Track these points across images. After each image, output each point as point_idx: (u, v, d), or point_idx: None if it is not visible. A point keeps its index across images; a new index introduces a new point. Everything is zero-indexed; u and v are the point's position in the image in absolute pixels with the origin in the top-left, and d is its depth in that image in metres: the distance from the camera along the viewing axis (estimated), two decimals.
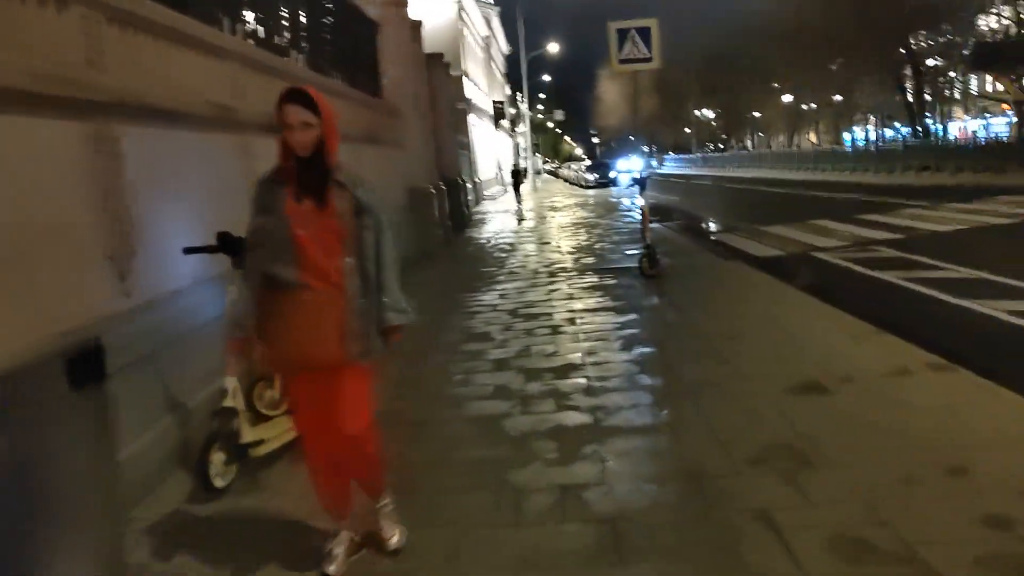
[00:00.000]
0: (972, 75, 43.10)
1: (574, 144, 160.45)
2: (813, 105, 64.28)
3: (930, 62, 37.97)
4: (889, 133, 51.76)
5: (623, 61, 14.46)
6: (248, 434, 4.10)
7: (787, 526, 3.14)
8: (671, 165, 79.37)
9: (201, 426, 4.21)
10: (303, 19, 9.17)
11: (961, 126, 47.02)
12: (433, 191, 14.76)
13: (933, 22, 36.14)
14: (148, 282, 4.41)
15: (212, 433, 3.99)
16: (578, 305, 8.20)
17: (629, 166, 54.07)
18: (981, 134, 37.18)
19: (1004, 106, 47.95)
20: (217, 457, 3.94)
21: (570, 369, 5.70)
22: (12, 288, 3.31)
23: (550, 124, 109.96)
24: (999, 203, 15.67)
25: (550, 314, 7.81)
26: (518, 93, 59.07)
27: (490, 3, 49.09)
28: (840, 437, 4.03)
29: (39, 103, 3.61)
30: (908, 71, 38.33)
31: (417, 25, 16.01)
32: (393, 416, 4.73)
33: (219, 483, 3.92)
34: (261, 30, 7.47)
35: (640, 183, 9.66)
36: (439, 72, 20.76)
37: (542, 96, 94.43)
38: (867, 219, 14.99)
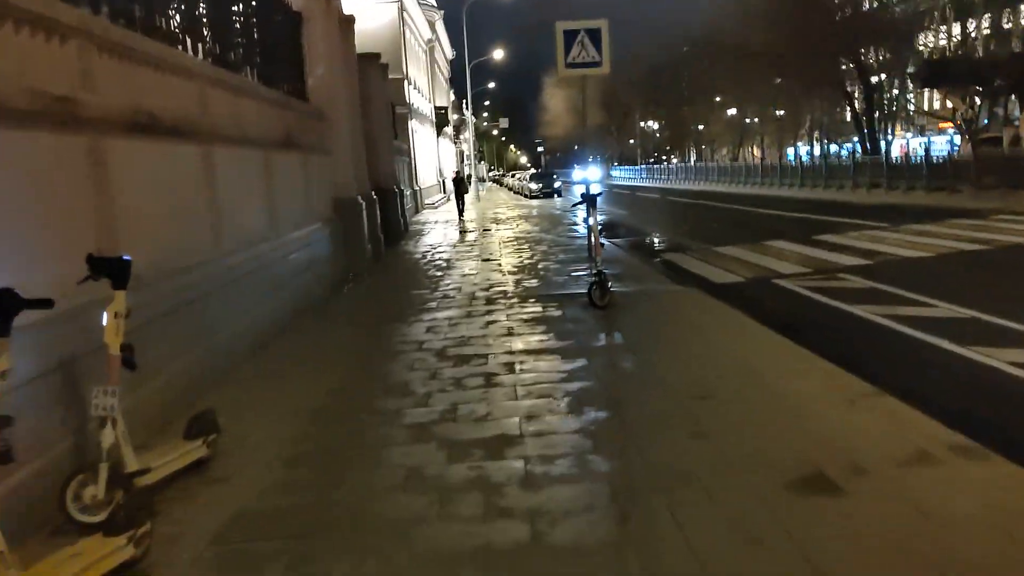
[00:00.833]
0: (913, 93, 43.46)
1: (519, 152, 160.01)
2: (756, 120, 64.69)
3: (874, 78, 37.98)
4: (833, 148, 52.08)
5: (571, 65, 13.38)
6: None
7: None
8: (617, 177, 79.00)
9: None
10: (208, 4, 7.84)
11: (902, 143, 47.45)
12: (362, 201, 13.45)
13: (876, 38, 36.14)
14: None
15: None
16: (518, 344, 7.02)
17: (586, 176, 53.54)
18: (921, 152, 37.30)
19: (943, 124, 48.69)
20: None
21: (505, 444, 4.50)
22: None
23: (495, 132, 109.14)
24: (961, 227, 15.05)
25: (485, 357, 6.61)
26: (464, 100, 57.88)
27: (433, 6, 47.80)
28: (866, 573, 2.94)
29: None
30: (857, 86, 38.30)
31: (349, 20, 14.70)
32: (260, 527, 3.49)
33: None
34: (137, 8, 6.12)
35: (590, 200, 8.53)
36: (375, 74, 19.45)
37: (487, 103, 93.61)
38: (826, 241, 14.18)
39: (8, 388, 3.06)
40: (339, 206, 12.86)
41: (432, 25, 46.84)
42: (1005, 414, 5.08)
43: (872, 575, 2.95)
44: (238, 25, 8.99)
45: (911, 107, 43.56)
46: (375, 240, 14.47)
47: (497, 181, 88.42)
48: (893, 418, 4.56)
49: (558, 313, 8.35)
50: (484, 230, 20.97)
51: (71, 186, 4.56)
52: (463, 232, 20.41)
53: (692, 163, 66.07)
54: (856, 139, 54.75)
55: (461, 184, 27.31)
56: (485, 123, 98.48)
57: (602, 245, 8.54)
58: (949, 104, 33.12)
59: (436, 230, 22.04)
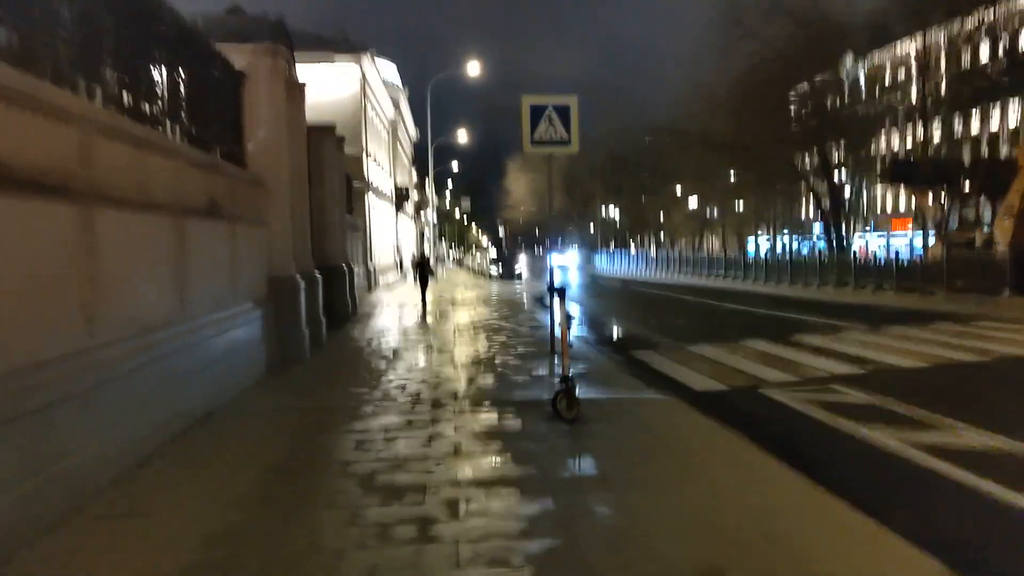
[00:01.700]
0: (874, 191, 43.91)
1: (481, 234, 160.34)
2: (715, 212, 65.27)
3: (837, 176, 38.19)
4: (796, 244, 52.30)
5: (537, 143, 12.35)
6: None
7: None
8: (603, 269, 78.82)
9: None
10: (114, 42, 6.57)
11: (860, 242, 47.68)
12: (302, 280, 12.03)
13: (841, 135, 36.46)
14: None
15: None
16: (466, 471, 5.58)
17: (562, 262, 52.76)
18: (883, 252, 37.36)
19: (900, 224, 49.27)
20: None
21: None
22: None
23: (457, 212, 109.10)
24: (945, 332, 14.10)
25: (423, 490, 5.15)
26: (426, 179, 57.25)
27: (398, 85, 47.50)
28: None
29: None
30: (823, 182, 38.46)
31: (299, 86, 13.56)
32: None
33: None
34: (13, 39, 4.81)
35: (559, 292, 7.24)
36: (328, 145, 18.32)
37: (450, 184, 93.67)
38: (805, 343, 13.08)
39: None
40: (275, 285, 11.44)
41: (396, 103, 46.41)
42: None
43: None
44: (159, 73, 7.72)
45: (876, 206, 43.87)
46: (315, 324, 13.00)
47: (458, 262, 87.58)
48: None
49: (516, 425, 6.94)
50: (425, 315, 19.59)
51: None
52: (425, 318, 18.85)
53: (653, 252, 66.10)
54: (817, 234, 55.28)
55: (424, 268, 22.82)
56: (447, 203, 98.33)
57: (570, 344, 7.18)
58: (914, 203, 33.46)
59: (388, 313, 20.60)
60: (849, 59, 36.30)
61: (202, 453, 6.34)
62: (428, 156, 45.11)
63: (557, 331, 13.91)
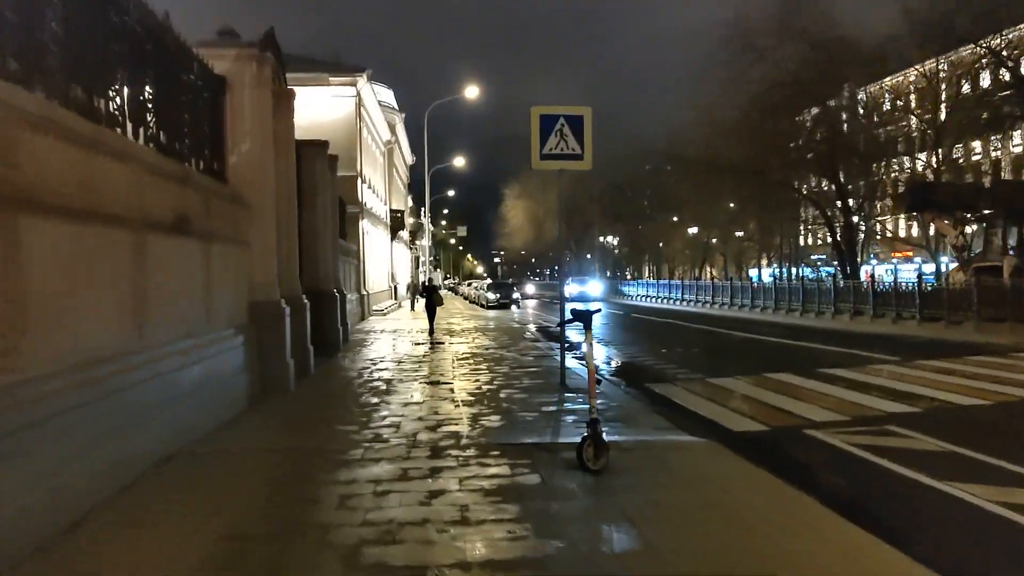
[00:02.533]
0: (886, 217, 42.98)
1: (476, 262, 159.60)
2: (714, 240, 64.38)
3: (851, 201, 37.30)
4: (805, 271, 51.29)
5: (547, 157, 11.33)
6: None
7: None
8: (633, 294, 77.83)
9: None
10: (63, 27, 5.56)
11: (866, 269, 46.71)
12: (286, 306, 10.94)
13: (853, 158, 35.59)
14: None
15: None
16: (476, 544, 4.45)
17: (584, 292, 48.89)
18: (889, 279, 36.34)
19: (902, 252, 48.35)
20: None
21: None
22: None
23: (452, 240, 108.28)
24: (988, 365, 13.02)
25: (422, 571, 4.04)
26: (422, 207, 56.38)
27: (395, 108, 46.74)
28: None
29: None
30: (833, 209, 37.57)
31: (287, 94, 12.59)
32: None
33: None
34: None
35: (583, 319, 6.15)
36: (322, 163, 17.31)
37: (446, 211, 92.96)
38: (838, 376, 12.00)
39: None
40: (257, 310, 10.37)
41: (392, 127, 45.62)
42: None
43: None
44: (119, 69, 6.70)
45: (888, 232, 42.84)
46: (302, 353, 11.90)
47: (452, 289, 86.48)
48: None
49: (533, 480, 5.81)
50: (436, 343, 18.48)
51: None
52: (433, 344, 17.75)
53: (653, 279, 65.07)
54: (815, 259, 54.32)
55: (433, 295, 21.45)
56: (443, 230, 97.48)
57: (598, 380, 6.07)
58: (913, 231, 32.61)
59: (381, 341, 19.47)
60: (863, 83, 35.69)
61: (151, 510, 5.20)
62: (425, 183, 44.20)
63: (573, 365, 12.93)
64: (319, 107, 28.03)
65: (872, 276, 35.60)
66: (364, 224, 30.66)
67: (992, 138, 36.76)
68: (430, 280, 27.63)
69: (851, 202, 36.50)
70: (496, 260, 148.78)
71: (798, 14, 33.80)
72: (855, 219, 36.98)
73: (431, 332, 19.77)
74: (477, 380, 11.66)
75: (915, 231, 44.35)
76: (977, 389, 10.54)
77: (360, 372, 12.96)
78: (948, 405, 9.42)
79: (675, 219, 66.30)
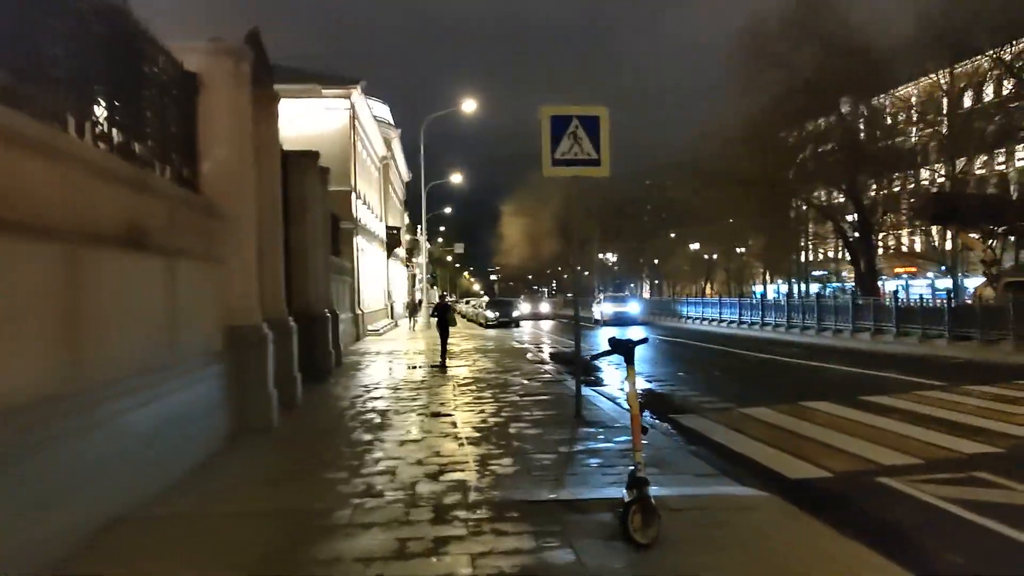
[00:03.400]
0: (903, 232, 41.77)
1: (473, 279, 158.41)
2: (715, 256, 63.33)
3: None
4: (815, 287, 50.03)
5: (559, 162, 10.15)
6: None
7: None
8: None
9: None
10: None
11: (879, 285, 45.50)
12: (269, 331, 9.72)
13: (875, 170, 34.40)
14: None
15: None
16: None
17: (622, 311, 41.10)
18: (901, 294, 35.08)
19: (906, 268, 47.16)
20: None
21: None
22: None
23: (449, 258, 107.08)
24: None
25: None
26: (418, 224, 55.26)
27: (391, 124, 45.67)
28: None
29: None
30: (845, 222, 36.41)
31: (270, 96, 11.44)
32: None
33: None
34: None
35: (626, 353, 4.91)
36: (312, 175, 16.15)
37: (442, 229, 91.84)
38: (889, 406, 10.76)
39: None
40: (234, 336, 9.12)
41: (388, 143, 44.54)
42: None
43: None
44: (59, 50, 5.53)
45: (902, 246, 41.58)
46: (288, 382, 10.68)
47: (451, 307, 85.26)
48: None
49: (566, 556, 4.56)
50: (434, 366, 17.24)
51: None
52: (445, 369, 16.41)
53: (655, 296, 63.90)
54: (824, 277, 53.13)
55: (447, 313, 18.71)
56: (440, 247, 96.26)
57: (644, 429, 4.83)
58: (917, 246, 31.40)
59: (377, 364, 18.23)
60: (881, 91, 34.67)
61: None
62: (421, 200, 43.09)
63: (589, 393, 11.50)
64: (311, 119, 26.92)
65: (895, 292, 34.18)
66: (359, 241, 29.46)
67: (1018, 148, 35.69)
68: (442, 297, 25.76)
69: (866, 215, 35.32)
70: (493, 277, 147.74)
71: (816, 14, 32.79)
72: (879, 231, 35.84)
73: (443, 355, 17.70)
74: (482, 412, 10.43)
75: (917, 246, 43.25)
76: None
77: (353, 402, 11.72)
78: None
79: (672, 236, 65.35)
